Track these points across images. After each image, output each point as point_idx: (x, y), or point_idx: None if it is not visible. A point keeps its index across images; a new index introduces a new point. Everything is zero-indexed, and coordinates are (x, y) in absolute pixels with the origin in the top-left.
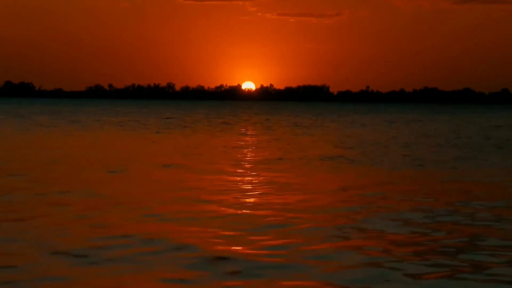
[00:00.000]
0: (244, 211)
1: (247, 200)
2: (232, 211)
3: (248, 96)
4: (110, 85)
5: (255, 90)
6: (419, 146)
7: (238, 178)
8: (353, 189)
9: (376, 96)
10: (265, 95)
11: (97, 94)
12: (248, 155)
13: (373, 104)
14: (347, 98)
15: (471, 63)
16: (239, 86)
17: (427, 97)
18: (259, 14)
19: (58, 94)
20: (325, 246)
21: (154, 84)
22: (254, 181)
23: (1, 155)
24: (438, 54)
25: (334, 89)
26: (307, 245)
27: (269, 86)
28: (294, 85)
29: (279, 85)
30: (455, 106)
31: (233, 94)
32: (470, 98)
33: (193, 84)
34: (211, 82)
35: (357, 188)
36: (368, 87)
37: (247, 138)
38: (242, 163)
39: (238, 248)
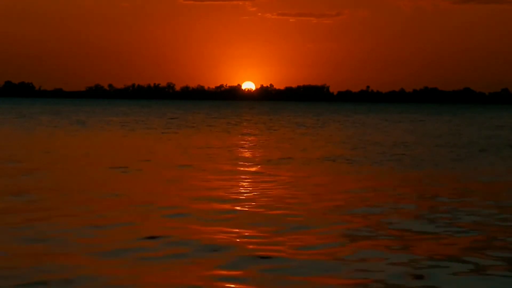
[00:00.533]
0: (262, 210)
1: (265, 200)
2: (251, 210)
3: (248, 96)
4: (110, 85)
5: (255, 90)
6: (427, 147)
7: (251, 178)
8: (367, 190)
9: (376, 96)
10: (265, 95)
11: (97, 94)
12: (256, 155)
13: (373, 104)
14: (347, 98)
15: (471, 63)
16: (239, 86)
17: (427, 97)
18: (259, 14)
19: (58, 94)
20: (354, 246)
21: (154, 84)
22: (267, 181)
23: (14, 155)
24: (438, 54)
25: (334, 89)
26: (336, 245)
27: (269, 86)
28: (294, 85)
29: (279, 85)
30: (458, 106)
31: (233, 94)
32: (470, 98)
33: (193, 84)
34: (211, 82)
35: (371, 189)
36: (368, 87)
37: (252, 138)
38: (252, 163)
39: (269, 248)
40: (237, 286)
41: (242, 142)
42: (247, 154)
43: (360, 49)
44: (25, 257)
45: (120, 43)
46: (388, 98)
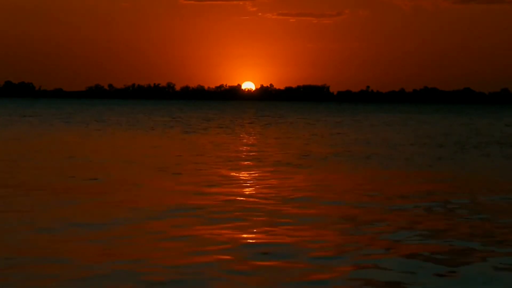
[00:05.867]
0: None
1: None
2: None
3: (248, 96)
4: (110, 85)
5: (255, 90)
6: (440, 147)
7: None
8: (400, 189)
9: (376, 96)
10: (265, 95)
11: (97, 94)
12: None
13: (374, 104)
14: (347, 98)
15: (471, 63)
16: (239, 86)
17: (427, 97)
18: (259, 14)
19: (58, 94)
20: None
21: (154, 84)
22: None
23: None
24: (438, 54)
25: (334, 89)
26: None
27: (269, 86)
28: (294, 85)
29: (279, 85)
30: (458, 106)
31: (233, 94)
32: (470, 98)
33: (193, 84)
34: (211, 82)
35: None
36: (368, 87)
37: (283, 138)
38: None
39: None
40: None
41: (275, 142)
42: (289, 153)
43: (360, 49)
44: None
45: (120, 43)
46: (388, 98)
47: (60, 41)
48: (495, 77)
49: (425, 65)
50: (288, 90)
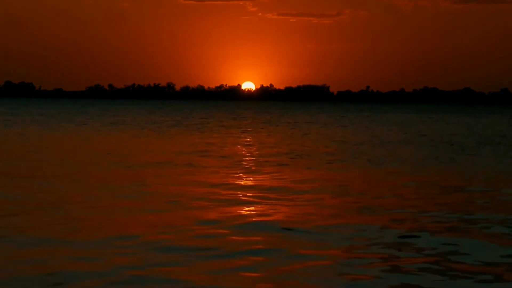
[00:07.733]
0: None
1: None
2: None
3: (248, 96)
4: (110, 85)
5: (255, 90)
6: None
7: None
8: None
9: (376, 96)
10: (265, 95)
11: (97, 94)
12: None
13: (374, 104)
14: (347, 98)
15: (471, 63)
16: (239, 86)
17: (427, 97)
18: (260, 14)
19: (58, 94)
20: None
21: (154, 84)
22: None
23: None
24: (438, 54)
25: (334, 89)
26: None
27: (269, 86)
28: (294, 85)
29: (279, 85)
30: (458, 106)
31: (233, 94)
32: (470, 98)
33: (193, 84)
34: (211, 82)
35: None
36: (368, 87)
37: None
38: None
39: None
40: None
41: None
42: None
43: (360, 49)
44: None
45: (120, 43)
46: (388, 98)
47: (60, 41)
48: (495, 77)
49: (425, 65)
50: (288, 90)
